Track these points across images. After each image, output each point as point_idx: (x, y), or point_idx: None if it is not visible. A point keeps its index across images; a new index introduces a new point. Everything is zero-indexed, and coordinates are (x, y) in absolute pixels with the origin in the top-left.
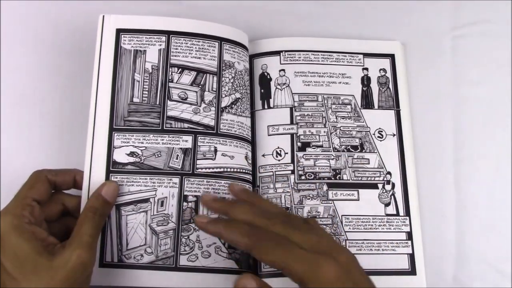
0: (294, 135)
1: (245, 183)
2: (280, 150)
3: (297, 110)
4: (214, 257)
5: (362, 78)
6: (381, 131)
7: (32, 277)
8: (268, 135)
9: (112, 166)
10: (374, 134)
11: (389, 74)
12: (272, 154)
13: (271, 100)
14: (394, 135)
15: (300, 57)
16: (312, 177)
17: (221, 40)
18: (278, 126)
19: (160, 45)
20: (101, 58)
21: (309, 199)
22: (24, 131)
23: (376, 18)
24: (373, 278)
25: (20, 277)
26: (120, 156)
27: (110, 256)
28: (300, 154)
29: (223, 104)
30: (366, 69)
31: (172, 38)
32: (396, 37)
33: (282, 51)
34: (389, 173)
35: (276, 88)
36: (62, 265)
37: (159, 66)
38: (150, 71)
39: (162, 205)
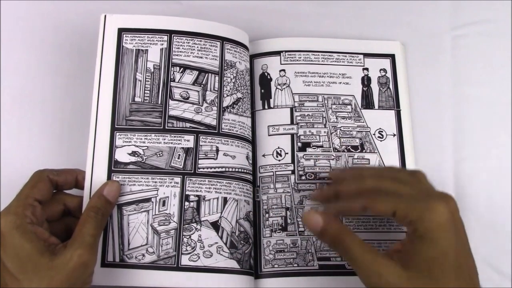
0: (295, 135)
1: (246, 183)
2: (281, 150)
3: (297, 110)
4: (216, 257)
5: (363, 78)
6: (382, 131)
7: (34, 277)
8: (269, 135)
9: (114, 166)
10: (374, 134)
11: (389, 74)
12: (273, 154)
13: (272, 100)
14: (394, 135)
15: (300, 57)
16: (312, 177)
17: (222, 39)
18: (278, 126)
19: (162, 44)
20: (103, 58)
21: (309, 199)
22: (25, 131)
23: (376, 18)
24: None
25: (22, 276)
26: (121, 155)
27: (112, 256)
28: (301, 154)
29: (224, 104)
30: (367, 69)
31: (174, 37)
32: (396, 37)
33: (282, 51)
34: None
35: (277, 88)
36: (63, 265)
37: (161, 65)
38: (152, 70)
39: (163, 205)
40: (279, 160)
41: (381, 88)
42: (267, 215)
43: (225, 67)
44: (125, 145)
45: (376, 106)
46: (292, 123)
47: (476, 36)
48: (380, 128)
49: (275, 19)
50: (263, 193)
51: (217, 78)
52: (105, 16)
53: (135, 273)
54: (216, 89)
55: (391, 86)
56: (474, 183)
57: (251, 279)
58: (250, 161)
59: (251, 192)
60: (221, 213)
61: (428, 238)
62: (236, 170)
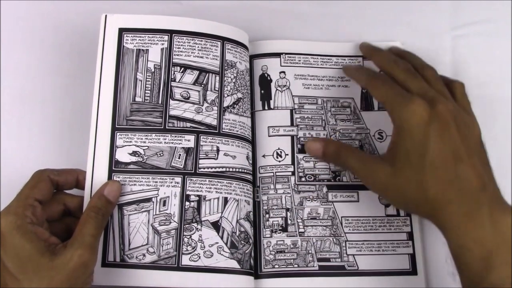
0: (295, 137)
1: (246, 183)
2: (281, 151)
3: (297, 112)
4: (216, 257)
5: None
6: (381, 133)
7: (34, 277)
8: (269, 136)
9: (115, 166)
10: (374, 135)
11: None
12: (273, 155)
13: (272, 101)
14: None
15: (300, 60)
16: (312, 179)
17: (223, 39)
18: (278, 128)
19: (163, 44)
20: (104, 58)
21: (309, 200)
22: (25, 131)
23: (376, 18)
24: (374, 279)
25: (22, 277)
26: (122, 155)
27: (113, 256)
28: (300, 156)
29: (225, 104)
30: None
31: (175, 37)
32: (396, 37)
33: (282, 54)
34: None
35: (277, 89)
36: (63, 265)
37: (161, 65)
38: (153, 70)
39: (164, 205)
40: (279, 161)
41: None
42: (267, 216)
43: (226, 67)
44: (125, 145)
45: (376, 108)
46: (292, 124)
47: (476, 36)
48: (380, 130)
49: (275, 19)
50: (263, 194)
51: (217, 78)
52: (105, 16)
53: (136, 273)
54: (217, 89)
55: None
56: None
57: (251, 279)
58: (250, 161)
59: (251, 192)
60: (222, 213)
61: (404, 129)
62: (237, 170)
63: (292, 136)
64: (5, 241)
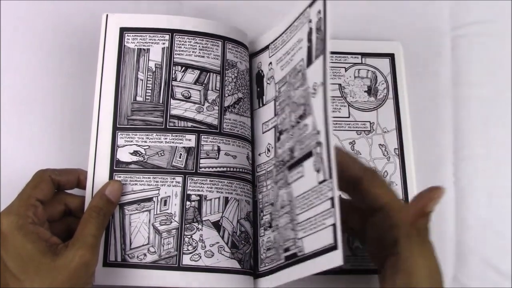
0: (275, 127)
1: (246, 183)
2: (269, 146)
3: (277, 99)
4: (217, 257)
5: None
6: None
7: (35, 277)
8: (262, 133)
9: (116, 165)
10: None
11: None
12: (265, 152)
13: (264, 97)
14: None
15: (283, 41)
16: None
17: (224, 39)
18: (268, 122)
19: (164, 43)
20: (105, 57)
21: (281, 189)
22: (26, 131)
23: (376, 18)
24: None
25: (23, 277)
26: (123, 155)
27: (114, 255)
28: (278, 145)
29: (226, 104)
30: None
31: (176, 36)
32: (396, 37)
33: (269, 44)
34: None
35: (267, 83)
36: (65, 265)
37: (162, 64)
38: (154, 69)
39: (165, 204)
40: (269, 156)
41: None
42: (261, 214)
43: (227, 67)
44: (126, 145)
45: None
46: (275, 115)
47: (476, 36)
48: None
49: (275, 19)
50: (259, 192)
51: (218, 77)
52: (107, 15)
53: (137, 272)
54: (218, 89)
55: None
56: (474, 183)
57: (251, 279)
58: (250, 161)
59: (251, 192)
60: (223, 213)
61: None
62: (237, 170)
63: (275, 127)
64: (7, 241)
